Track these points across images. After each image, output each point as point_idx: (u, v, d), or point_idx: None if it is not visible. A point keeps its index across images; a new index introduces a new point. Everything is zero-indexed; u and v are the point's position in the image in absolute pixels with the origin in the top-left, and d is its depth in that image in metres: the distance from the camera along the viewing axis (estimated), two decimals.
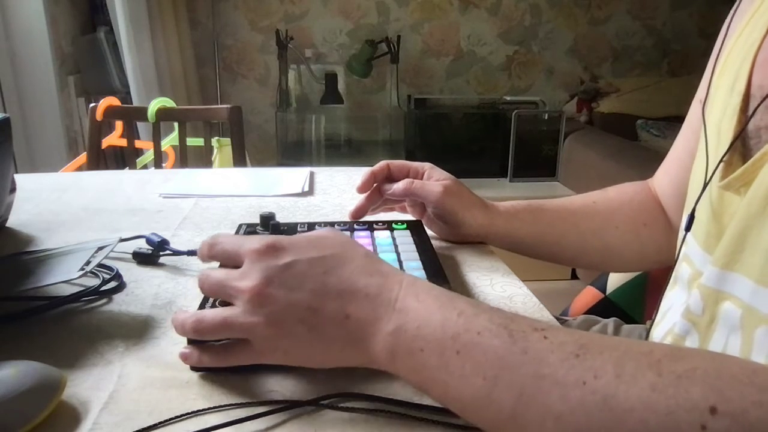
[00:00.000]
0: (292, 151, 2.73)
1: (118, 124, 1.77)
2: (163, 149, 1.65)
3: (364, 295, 0.38)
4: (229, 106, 1.51)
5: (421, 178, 0.65)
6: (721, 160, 0.47)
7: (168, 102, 1.57)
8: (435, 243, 0.63)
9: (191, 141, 1.65)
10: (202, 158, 1.65)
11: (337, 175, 0.98)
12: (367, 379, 0.41)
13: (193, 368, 0.42)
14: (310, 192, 0.89)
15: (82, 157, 1.68)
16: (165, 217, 0.77)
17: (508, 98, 2.78)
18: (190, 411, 0.37)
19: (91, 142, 1.59)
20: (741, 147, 0.46)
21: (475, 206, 0.64)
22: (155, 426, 0.36)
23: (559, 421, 0.30)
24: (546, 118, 2.63)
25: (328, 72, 2.72)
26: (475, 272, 0.60)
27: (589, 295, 0.90)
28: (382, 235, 0.63)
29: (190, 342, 0.41)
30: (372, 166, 0.67)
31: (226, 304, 0.40)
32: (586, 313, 0.87)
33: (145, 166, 1.81)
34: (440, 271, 0.54)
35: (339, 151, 2.77)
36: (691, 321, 0.49)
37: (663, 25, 2.98)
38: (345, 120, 2.83)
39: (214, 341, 0.41)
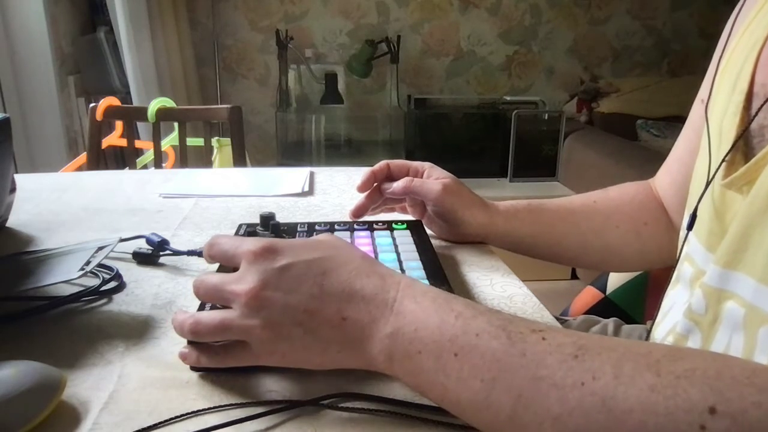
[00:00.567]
0: (292, 151, 2.73)
1: (118, 124, 1.77)
2: (163, 149, 1.65)
3: (361, 297, 0.37)
4: (229, 106, 1.51)
5: (421, 177, 0.66)
6: (723, 159, 0.47)
7: (168, 102, 1.57)
8: (435, 243, 0.63)
9: (191, 141, 1.65)
10: (202, 158, 1.65)
11: (337, 175, 0.98)
12: (367, 379, 0.41)
13: (193, 368, 0.42)
14: (310, 192, 0.89)
15: (82, 157, 1.68)
16: (165, 217, 0.77)
17: (508, 98, 2.78)
18: (190, 411, 0.37)
19: (91, 142, 1.59)
20: (744, 146, 0.46)
21: (475, 205, 0.64)
22: (155, 426, 0.36)
23: (558, 422, 0.30)
24: (546, 118, 2.63)
25: (328, 72, 2.72)
26: (475, 272, 0.60)
27: (589, 295, 0.90)
28: (382, 235, 0.63)
29: (190, 342, 0.42)
30: (372, 166, 0.67)
31: (225, 306, 0.40)
32: (586, 313, 0.87)
33: (145, 166, 1.81)
34: (440, 271, 0.54)
35: (339, 151, 2.77)
36: (694, 320, 0.49)
37: (663, 25, 2.98)
38: (345, 120, 2.83)
39: (213, 342, 0.41)
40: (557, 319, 0.75)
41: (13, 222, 0.73)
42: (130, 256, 0.62)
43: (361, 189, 0.67)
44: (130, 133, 1.64)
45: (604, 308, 0.87)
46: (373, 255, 0.59)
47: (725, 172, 0.47)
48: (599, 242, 0.68)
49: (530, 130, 2.54)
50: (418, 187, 0.64)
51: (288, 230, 0.64)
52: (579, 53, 2.97)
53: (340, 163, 2.38)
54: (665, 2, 2.94)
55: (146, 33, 2.31)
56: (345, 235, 0.63)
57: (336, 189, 0.90)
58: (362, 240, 0.62)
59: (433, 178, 0.65)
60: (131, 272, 0.59)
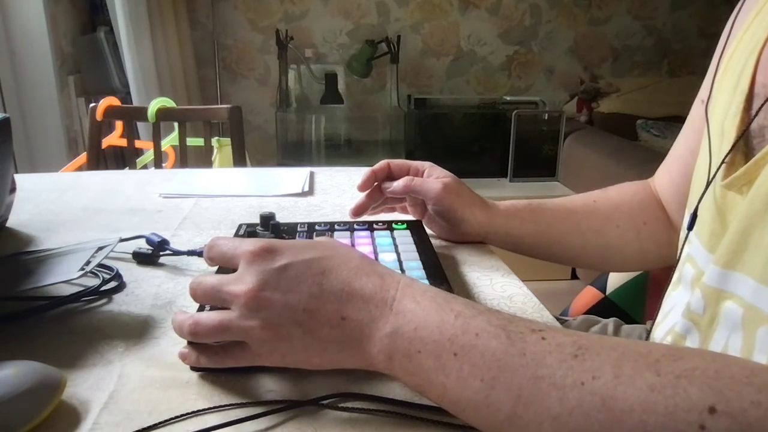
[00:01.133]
0: (292, 151, 2.73)
1: (118, 124, 1.77)
2: (163, 149, 1.65)
3: (360, 296, 0.37)
4: (229, 106, 1.51)
5: (422, 176, 0.66)
6: (723, 160, 0.47)
7: (168, 102, 1.57)
8: (435, 243, 0.63)
9: (191, 141, 1.65)
10: (202, 158, 1.65)
11: (337, 175, 0.98)
12: (367, 379, 0.41)
13: (193, 368, 0.42)
14: (310, 192, 0.89)
15: (82, 157, 1.69)
16: (165, 217, 0.77)
17: (508, 98, 2.78)
18: (190, 411, 0.37)
19: (91, 142, 1.59)
20: (744, 146, 0.46)
21: (475, 204, 0.64)
22: (155, 426, 0.36)
23: (558, 422, 0.30)
24: (546, 118, 2.63)
25: (328, 72, 2.72)
26: (475, 272, 0.60)
27: (589, 295, 0.90)
28: (382, 235, 0.63)
29: (190, 342, 0.41)
30: (372, 166, 0.67)
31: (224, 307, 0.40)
32: (586, 313, 0.87)
33: (145, 166, 1.81)
34: (440, 271, 0.54)
35: (339, 151, 2.77)
36: (692, 320, 0.49)
37: (663, 25, 2.98)
38: (345, 120, 2.83)
39: (213, 342, 0.41)
40: (557, 319, 0.75)
41: (13, 222, 0.73)
42: (130, 256, 0.62)
43: (361, 188, 0.67)
44: (130, 133, 1.64)
45: (604, 308, 0.87)
46: (373, 255, 0.59)
47: (725, 173, 0.47)
48: (599, 242, 0.68)
49: (530, 130, 2.54)
50: (419, 186, 0.64)
51: (288, 230, 0.64)
52: (579, 53, 2.97)
53: (340, 163, 2.38)
54: (665, 2, 2.94)
55: (146, 33, 2.31)
56: (345, 235, 0.63)
57: (336, 189, 0.90)
58: (362, 240, 0.62)
59: (433, 177, 0.65)
60: (131, 272, 0.59)
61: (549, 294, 0.88)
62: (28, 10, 2.08)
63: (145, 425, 0.36)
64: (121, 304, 0.53)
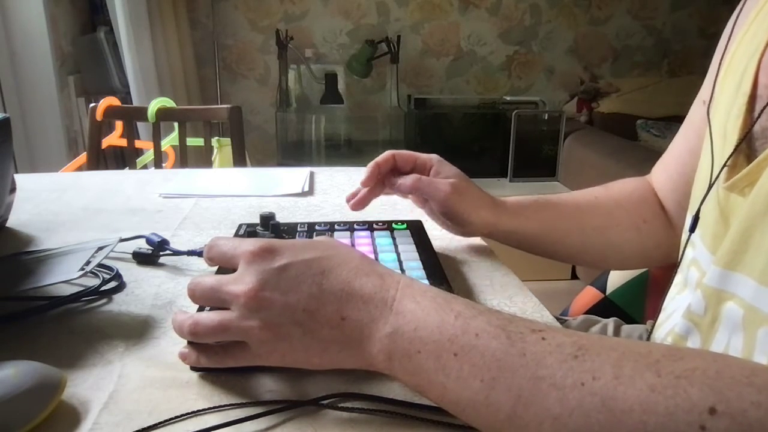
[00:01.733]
0: (292, 151, 2.73)
1: (118, 124, 1.77)
2: (163, 149, 1.65)
3: (360, 296, 0.37)
4: (229, 106, 1.51)
5: (429, 173, 0.64)
6: (726, 162, 0.47)
7: (168, 102, 1.57)
8: (435, 243, 0.63)
9: (191, 141, 1.65)
10: (202, 158, 1.65)
11: (337, 175, 0.98)
12: (367, 379, 0.41)
13: (193, 368, 0.42)
14: (310, 192, 0.89)
15: (82, 157, 1.69)
16: (165, 217, 0.77)
17: (508, 98, 2.78)
18: (190, 411, 0.37)
19: (91, 142, 1.59)
20: (746, 148, 0.46)
21: (483, 206, 0.63)
22: (155, 426, 0.36)
23: (558, 422, 0.30)
24: (546, 118, 2.63)
25: (328, 72, 2.72)
26: (475, 272, 0.60)
27: (589, 295, 0.90)
28: (382, 235, 0.63)
29: (190, 342, 0.41)
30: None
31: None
32: (586, 313, 0.87)
33: (145, 166, 1.81)
34: (440, 271, 0.55)
35: (339, 151, 2.77)
36: (693, 321, 0.48)
37: (663, 25, 2.98)
38: (345, 120, 2.83)
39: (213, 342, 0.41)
40: (557, 319, 0.75)
41: (13, 222, 0.73)
42: (130, 256, 0.62)
43: (365, 183, 0.64)
44: (130, 133, 1.64)
45: (604, 308, 0.87)
46: (373, 255, 0.59)
47: (728, 175, 0.47)
48: (600, 240, 0.68)
49: (530, 130, 2.54)
50: (427, 186, 0.62)
51: (288, 230, 0.64)
52: (579, 53, 2.97)
53: (340, 163, 2.38)
54: (665, 2, 2.94)
55: (146, 33, 2.31)
56: (345, 235, 0.63)
57: (336, 189, 0.90)
58: (362, 240, 0.62)
59: (441, 176, 0.63)
60: (131, 272, 0.59)
61: (549, 294, 0.88)
62: (28, 10, 2.08)
63: (145, 425, 0.36)
64: (121, 304, 0.53)
